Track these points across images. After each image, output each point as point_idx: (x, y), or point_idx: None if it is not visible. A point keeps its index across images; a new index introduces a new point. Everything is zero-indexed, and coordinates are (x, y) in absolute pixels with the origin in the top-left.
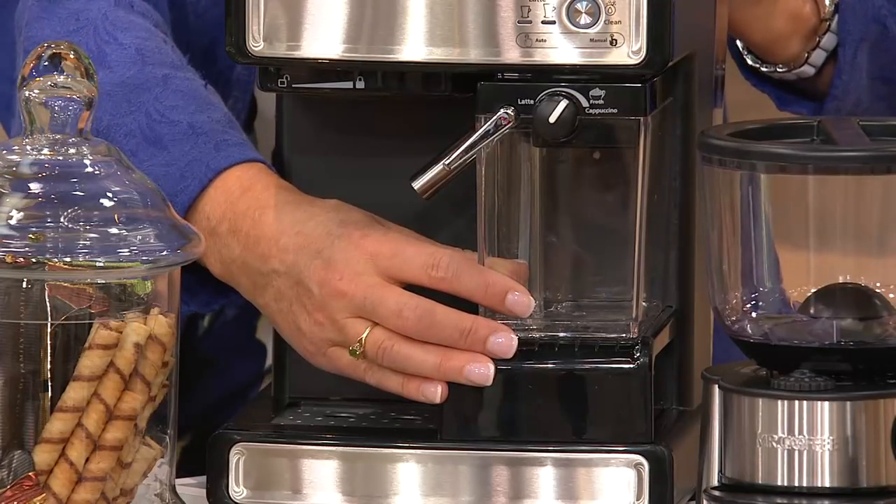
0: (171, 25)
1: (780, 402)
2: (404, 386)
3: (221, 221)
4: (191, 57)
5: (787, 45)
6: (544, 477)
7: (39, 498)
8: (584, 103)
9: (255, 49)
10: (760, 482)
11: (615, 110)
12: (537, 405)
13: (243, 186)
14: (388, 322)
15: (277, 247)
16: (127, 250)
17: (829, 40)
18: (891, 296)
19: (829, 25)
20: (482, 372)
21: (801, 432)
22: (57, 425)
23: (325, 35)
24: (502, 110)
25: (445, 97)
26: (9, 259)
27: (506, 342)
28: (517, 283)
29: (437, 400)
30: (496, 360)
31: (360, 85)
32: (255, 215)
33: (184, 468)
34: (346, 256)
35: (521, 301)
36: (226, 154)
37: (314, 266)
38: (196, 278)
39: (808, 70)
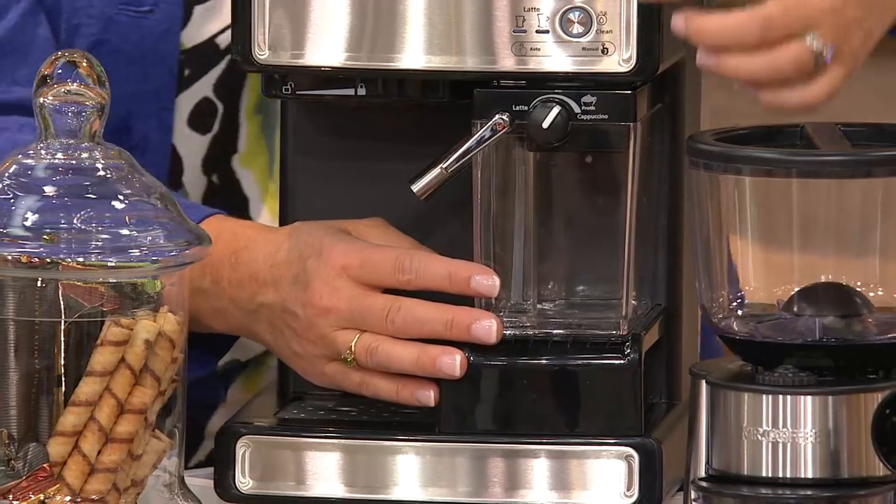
0: None
1: (764, 396)
2: (399, 393)
3: (203, 277)
4: (105, 132)
5: None
6: (538, 468)
7: (53, 489)
8: (577, 109)
9: (261, 57)
10: (746, 473)
11: (606, 116)
12: (531, 400)
13: (212, 237)
14: (378, 327)
15: (258, 283)
16: (137, 250)
17: None
18: (871, 294)
19: None
20: (450, 362)
21: (784, 426)
22: (70, 419)
23: (327, 44)
24: (498, 116)
25: (443, 103)
26: (24, 259)
27: (488, 327)
28: (480, 266)
29: (431, 403)
30: (493, 357)
31: (362, 92)
32: (231, 260)
33: None
34: (320, 275)
35: (486, 283)
36: None
37: (294, 291)
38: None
39: None
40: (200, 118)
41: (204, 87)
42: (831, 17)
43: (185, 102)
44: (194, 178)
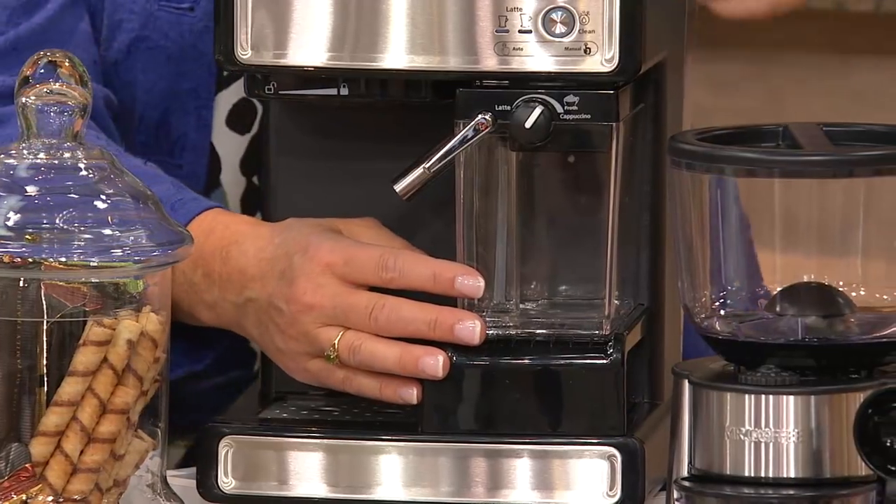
0: (120, 104)
1: (747, 396)
2: (382, 390)
3: (195, 270)
4: (143, 129)
5: None
6: (521, 468)
7: (36, 489)
8: (559, 109)
9: (244, 57)
10: (728, 473)
11: (588, 116)
12: (514, 399)
13: (206, 231)
14: (361, 325)
15: (247, 277)
16: (120, 250)
17: None
18: (853, 294)
19: None
20: (433, 363)
21: (767, 425)
22: (52, 419)
23: (310, 43)
24: (480, 116)
25: (426, 103)
26: (6, 259)
27: (471, 328)
28: (464, 266)
29: (414, 401)
30: (476, 357)
31: (345, 91)
32: (222, 254)
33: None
34: (305, 271)
35: (470, 284)
36: (183, 211)
37: (280, 287)
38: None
39: None
40: (239, 118)
41: (243, 88)
42: None
43: (224, 102)
44: (233, 178)
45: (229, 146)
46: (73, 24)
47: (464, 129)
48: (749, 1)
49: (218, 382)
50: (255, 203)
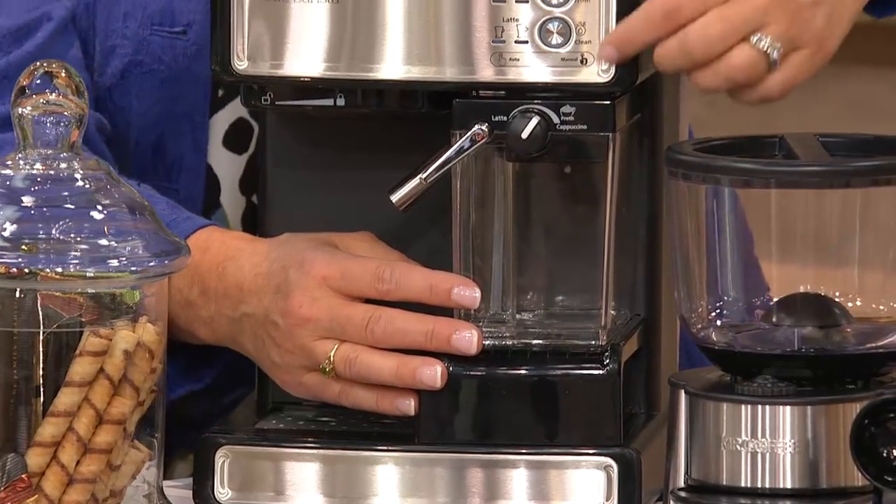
0: (114, 129)
1: (743, 406)
2: (378, 403)
3: (191, 287)
4: (139, 154)
5: None
6: (517, 478)
7: (32, 499)
8: (556, 120)
9: (240, 68)
10: (725, 483)
11: (585, 126)
12: (511, 410)
13: (201, 248)
14: (357, 337)
15: (243, 292)
16: (116, 261)
17: None
18: (849, 305)
19: None
20: (430, 374)
21: (763, 436)
22: (49, 429)
23: (306, 54)
24: (477, 126)
25: (422, 114)
26: (2, 269)
27: (468, 338)
28: (461, 277)
29: (412, 412)
30: (472, 367)
31: (341, 102)
32: (218, 270)
33: None
34: (301, 285)
35: (467, 294)
36: (178, 231)
37: (276, 301)
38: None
39: None
40: (236, 138)
41: (238, 107)
42: (778, 8)
43: (220, 123)
44: (233, 199)
45: (227, 166)
46: (63, 51)
47: (460, 139)
48: (763, 89)
49: (220, 402)
50: (256, 222)
